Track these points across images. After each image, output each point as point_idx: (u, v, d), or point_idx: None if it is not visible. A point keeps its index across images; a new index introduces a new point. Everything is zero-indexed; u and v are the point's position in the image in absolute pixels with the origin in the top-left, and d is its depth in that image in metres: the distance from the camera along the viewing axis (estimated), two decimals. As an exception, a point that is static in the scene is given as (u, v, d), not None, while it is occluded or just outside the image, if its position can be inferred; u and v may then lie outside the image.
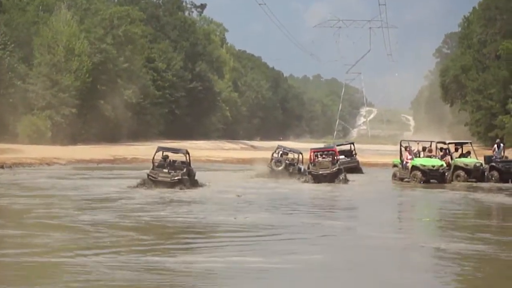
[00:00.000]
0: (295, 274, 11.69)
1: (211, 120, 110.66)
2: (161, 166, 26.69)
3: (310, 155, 31.86)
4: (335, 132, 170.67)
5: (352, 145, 41.72)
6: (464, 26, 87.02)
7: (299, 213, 20.31)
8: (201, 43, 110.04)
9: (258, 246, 14.26)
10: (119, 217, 17.56)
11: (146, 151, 44.00)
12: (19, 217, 17.49)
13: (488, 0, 72.60)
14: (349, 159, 38.82)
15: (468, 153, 33.35)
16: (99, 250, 13.08)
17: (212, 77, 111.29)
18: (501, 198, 25.62)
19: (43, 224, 16.41)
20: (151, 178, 25.93)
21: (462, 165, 32.39)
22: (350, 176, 31.90)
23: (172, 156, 27.84)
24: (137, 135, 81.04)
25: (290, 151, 35.57)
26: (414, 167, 31.43)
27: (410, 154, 32.40)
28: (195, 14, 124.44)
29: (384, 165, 42.23)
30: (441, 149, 33.55)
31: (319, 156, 31.70)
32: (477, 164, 32.36)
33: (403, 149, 33.05)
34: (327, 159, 31.18)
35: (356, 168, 38.12)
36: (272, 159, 33.76)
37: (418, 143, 34.31)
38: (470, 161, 32.62)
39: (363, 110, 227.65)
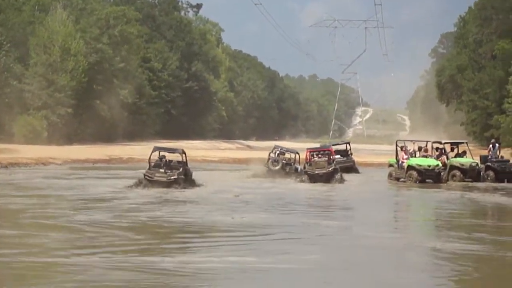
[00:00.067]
0: (291, 274, 11.70)
1: (207, 120, 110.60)
2: (157, 166, 26.68)
3: (306, 155, 31.88)
4: (331, 132, 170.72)
5: (348, 145, 41.76)
6: (460, 26, 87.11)
7: (296, 213, 20.32)
8: (197, 43, 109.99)
9: (255, 246, 14.26)
10: (115, 217, 17.55)
11: (142, 151, 43.97)
12: (15, 217, 17.48)
13: (484, 0, 72.66)
14: (345, 159, 38.87)
15: (464, 153, 33.39)
16: (95, 250, 13.08)
17: (208, 77, 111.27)
18: (497, 198, 25.66)
19: (39, 224, 16.40)
20: (148, 178, 25.91)
21: (458, 165, 32.43)
22: (346, 176, 31.94)
23: (168, 156, 27.83)
24: (133, 135, 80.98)
25: (287, 151, 35.60)
26: (410, 167, 31.44)
27: (406, 154, 32.42)
28: (191, 14, 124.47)
29: (380, 165, 42.27)
30: (437, 149, 33.59)
31: (315, 156, 31.73)
32: (473, 164, 32.41)
33: (398, 149, 33.07)
34: (323, 159, 31.20)
35: (352, 168, 38.18)
36: (269, 158, 33.80)
37: (414, 143, 34.35)
38: (466, 161, 32.67)
39: (359, 110, 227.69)
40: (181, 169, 26.49)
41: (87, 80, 67.05)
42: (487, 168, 32.67)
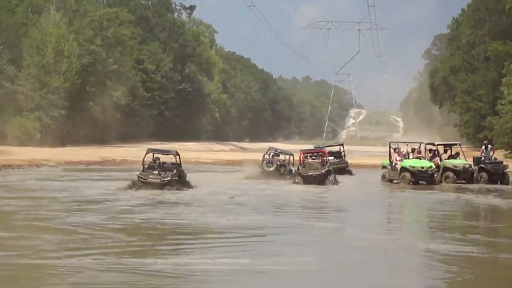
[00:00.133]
0: (285, 276, 11.69)
1: (200, 122, 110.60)
2: (151, 167, 26.65)
3: (300, 157, 31.90)
4: (324, 134, 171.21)
5: (341, 147, 41.82)
6: (453, 28, 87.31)
7: (290, 215, 20.31)
8: (190, 45, 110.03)
9: (249, 248, 14.25)
10: (108, 219, 17.51)
11: (135, 152, 43.95)
12: (8, 219, 17.42)
13: (477, 1, 72.84)
14: (338, 160, 38.91)
15: (457, 154, 33.43)
16: (88, 252, 13.04)
17: (201, 78, 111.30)
18: (490, 200, 25.69)
19: (32, 226, 16.35)
20: (141, 180, 25.86)
21: (451, 166, 32.46)
22: (339, 178, 31.97)
23: (162, 157, 27.80)
24: (126, 137, 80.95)
25: (281, 152, 35.63)
26: (403, 169, 31.45)
27: (399, 155, 32.44)
28: (184, 15, 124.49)
29: (373, 166, 42.31)
30: (430, 150, 33.61)
31: (308, 157, 31.75)
32: (466, 166, 32.44)
33: (392, 150, 33.09)
34: (316, 161, 31.22)
35: (345, 170, 38.22)
36: (263, 160, 33.85)
37: (407, 145, 34.37)
38: (459, 162, 32.70)
39: (352, 112, 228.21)
40: (175, 171, 26.48)
41: (80, 82, 67.02)
42: (480, 169, 32.71)
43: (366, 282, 11.52)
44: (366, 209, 22.92)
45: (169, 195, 24.25)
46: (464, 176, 32.31)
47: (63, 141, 62.80)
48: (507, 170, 32.99)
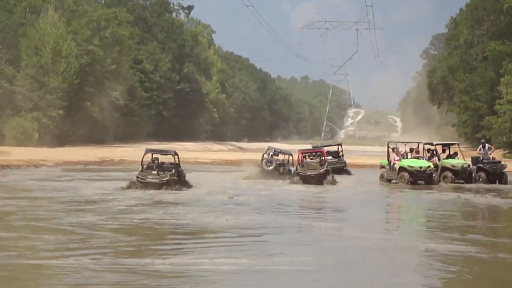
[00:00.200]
0: (284, 275, 11.68)
1: (199, 122, 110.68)
2: (150, 168, 26.64)
3: (298, 156, 31.89)
4: (323, 133, 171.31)
5: (340, 146, 41.83)
6: (451, 27, 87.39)
7: (288, 215, 20.29)
8: (188, 45, 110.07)
9: (248, 248, 14.22)
10: (106, 219, 17.48)
11: (134, 153, 43.94)
12: (6, 219, 17.39)
13: (475, 1, 72.87)
14: (336, 160, 38.93)
15: (456, 154, 33.44)
16: (86, 251, 13.01)
17: (199, 78, 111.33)
18: (488, 199, 25.69)
19: (30, 226, 16.33)
20: (140, 180, 25.84)
21: (449, 166, 32.47)
22: (337, 177, 31.99)
23: (161, 158, 27.78)
24: (124, 137, 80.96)
25: (280, 152, 35.62)
26: (402, 168, 31.46)
27: (397, 155, 32.46)
28: (182, 15, 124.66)
29: (372, 166, 42.32)
30: (428, 150, 33.63)
31: (307, 157, 31.74)
32: (465, 165, 32.44)
33: (390, 150, 33.11)
34: (315, 160, 31.21)
35: (343, 169, 38.21)
36: (262, 159, 33.84)
37: (405, 144, 34.38)
38: (458, 162, 32.70)
39: (351, 112, 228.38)
40: (173, 171, 26.46)
41: (79, 82, 67.02)
42: (479, 169, 32.73)
43: (365, 282, 11.51)
44: (364, 209, 22.92)
45: (167, 195, 24.23)
46: (462, 175, 32.32)
47: (61, 141, 62.77)
48: (505, 169, 33.00)
